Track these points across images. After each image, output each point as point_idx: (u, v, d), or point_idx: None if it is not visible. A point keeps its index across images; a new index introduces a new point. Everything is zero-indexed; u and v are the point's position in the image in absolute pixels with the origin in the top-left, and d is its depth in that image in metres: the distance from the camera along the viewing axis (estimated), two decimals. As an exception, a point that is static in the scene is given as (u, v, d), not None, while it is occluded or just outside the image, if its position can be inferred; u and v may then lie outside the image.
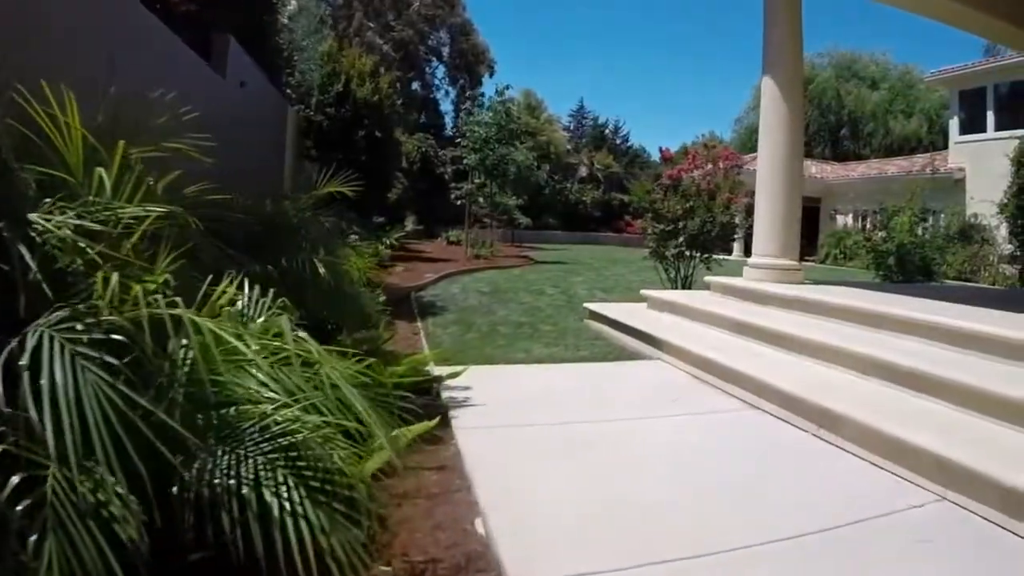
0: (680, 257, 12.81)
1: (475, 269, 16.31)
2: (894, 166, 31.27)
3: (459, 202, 19.48)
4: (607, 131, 55.26)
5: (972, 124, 26.42)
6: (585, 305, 10.29)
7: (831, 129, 41.93)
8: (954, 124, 27.67)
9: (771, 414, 5.51)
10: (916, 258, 15.34)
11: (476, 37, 35.57)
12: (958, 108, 27.40)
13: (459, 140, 19.67)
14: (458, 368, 6.47)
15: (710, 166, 12.88)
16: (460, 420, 5.29)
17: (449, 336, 8.88)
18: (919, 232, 15.91)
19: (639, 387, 6.54)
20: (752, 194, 11.99)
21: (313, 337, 3.40)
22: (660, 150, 12.90)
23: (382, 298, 9.57)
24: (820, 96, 41.28)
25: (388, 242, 14.93)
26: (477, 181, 19.20)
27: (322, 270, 5.75)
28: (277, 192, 13.23)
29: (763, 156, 9.06)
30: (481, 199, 19.50)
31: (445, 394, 6.06)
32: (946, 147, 30.44)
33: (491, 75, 38.22)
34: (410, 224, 27.49)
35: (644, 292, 9.93)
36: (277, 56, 15.52)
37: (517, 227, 27.85)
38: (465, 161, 19.27)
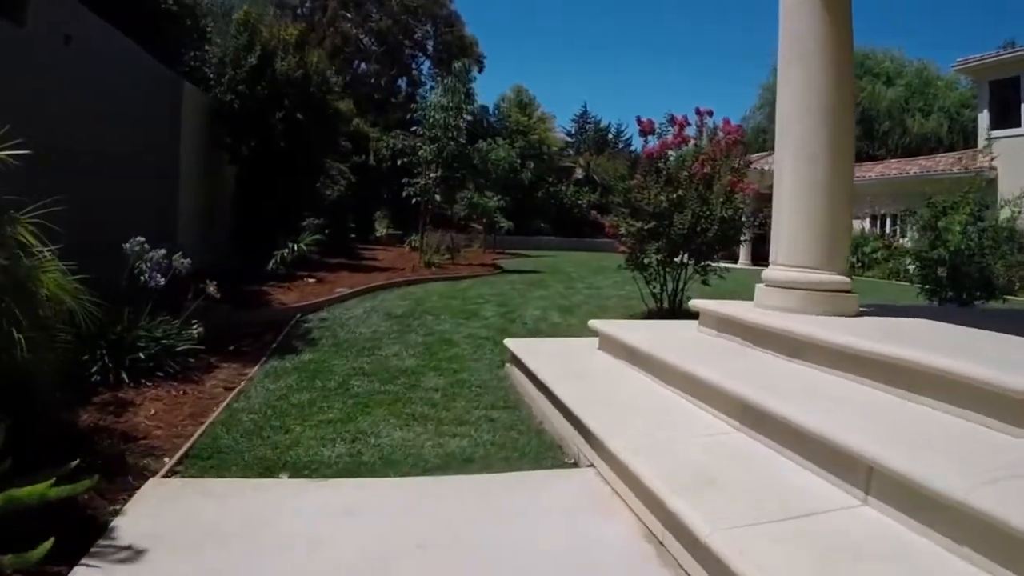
0: (665, 265, 8.90)
1: (415, 281, 12.47)
2: (916, 166, 27.22)
3: (414, 200, 15.52)
4: (610, 135, 51.41)
5: (1004, 118, 22.69)
6: (505, 342, 6.35)
7: (843, 129, 37.58)
8: (983, 118, 23.89)
9: None
10: (974, 269, 11.25)
11: (462, 29, 31.68)
12: (988, 100, 23.59)
13: (414, 128, 15.84)
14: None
15: (706, 142, 8.95)
16: None
17: (267, 397, 5.24)
18: (973, 236, 11.78)
19: (518, 569, 2.64)
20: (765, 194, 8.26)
21: None
22: (638, 121, 8.95)
23: (197, 331, 5.98)
24: (831, 95, 37.05)
25: (295, 247, 11.09)
26: (434, 175, 15.29)
27: None
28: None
29: (789, 97, 5.11)
30: (438, 196, 15.55)
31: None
32: (968, 146, 26.61)
33: (480, 70, 34.34)
34: (382, 228, 23.70)
35: (594, 324, 5.97)
36: (167, 21, 11.79)
37: (498, 231, 23.93)
38: (420, 152, 15.44)
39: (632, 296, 10.76)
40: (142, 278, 6.01)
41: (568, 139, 46.62)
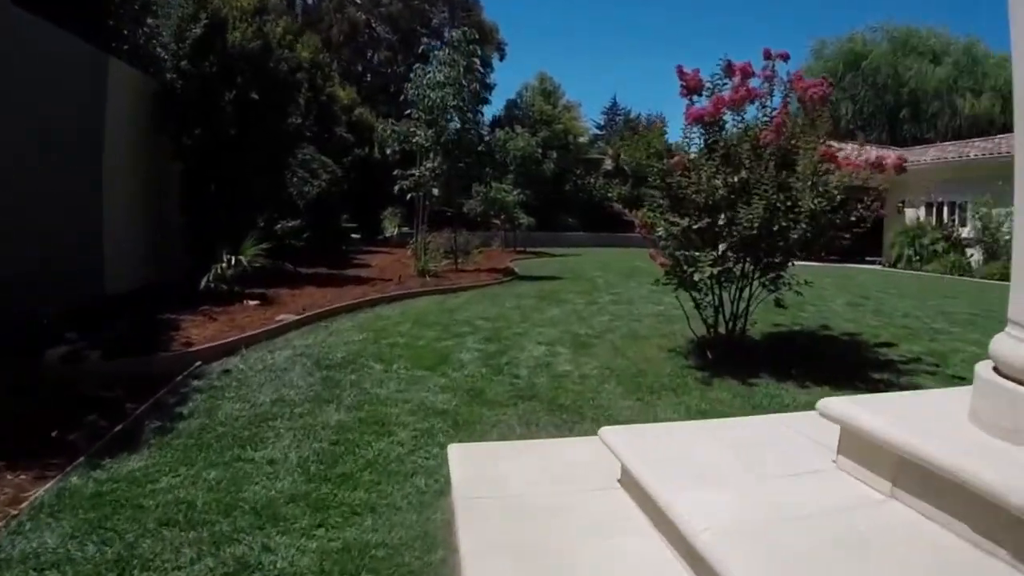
0: (723, 279, 5.86)
1: (398, 297, 9.52)
2: (975, 148, 23.31)
3: (408, 196, 12.60)
4: (641, 126, 47.84)
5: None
6: (449, 452, 3.36)
7: (889, 110, 33.57)
8: (1050, 94, 20.00)
9: None
10: None
11: (480, 14, 28.55)
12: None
13: (409, 111, 12.90)
14: None
15: (778, 101, 5.85)
16: None
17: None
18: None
19: None
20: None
21: None
22: (680, 74, 5.85)
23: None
24: (874, 74, 33.12)
25: (231, 260, 8.18)
26: (431, 165, 12.31)
27: None
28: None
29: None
30: (436, 190, 12.54)
31: None
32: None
33: (502, 59, 31.23)
34: (392, 227, 20.82)
35: (611, 439, 2.89)
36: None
37: (518, 228, 20.98)
38: (415, 139, 12.49)
39: (673, 316, 7.78)
40: None
41: (598, 132, 43.35)
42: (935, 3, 51.56)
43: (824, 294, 10.86)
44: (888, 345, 7.21)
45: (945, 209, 22.40)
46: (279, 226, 11.71)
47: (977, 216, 19.61)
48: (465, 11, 27.97)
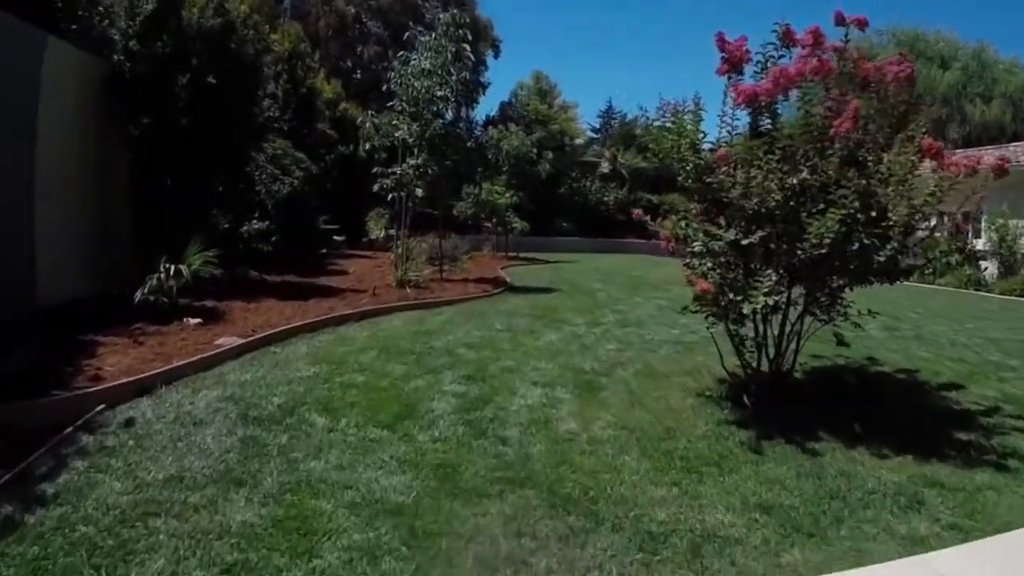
0: (771, 313, 4.54)
1: (369, 314, 8.17)
2: (987, 155, 21.97)
3: (389, 197, 11.24)
4: (638, 130, 46.25)
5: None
6: None
7: (895, 117, 32.26)
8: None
9: None
10: None
11: (475, 10, 27.22)
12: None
13: (392, 103, 11.53)
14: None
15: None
16: None
17: None
18: None
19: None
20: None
21: None
22: (720, 43, 4.52)
23: None
24: (880, 78, 31.86)
25: (170, 270, 6.75)
26: (414, 162, 10.94)
27: None
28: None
29: None
30: (420, 190, 11.14)
31: None
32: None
33: (496, 56, 29.91)
34: (378, 229, 19.41)
35: None
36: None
37: (510, 231, 19.67)
38: (398, 133, 11.12)
39: (692, 343, 6.52)
40: None
41: (593, 135, 42.01)
42: (942, 6, 50.19)
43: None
44: (954, 387, 5.92)
45: (959, 218, 21.19)
46: (245, 228, 10.36)
47: (993, 228, 18.43)
48: (459, 6, 26.61)
